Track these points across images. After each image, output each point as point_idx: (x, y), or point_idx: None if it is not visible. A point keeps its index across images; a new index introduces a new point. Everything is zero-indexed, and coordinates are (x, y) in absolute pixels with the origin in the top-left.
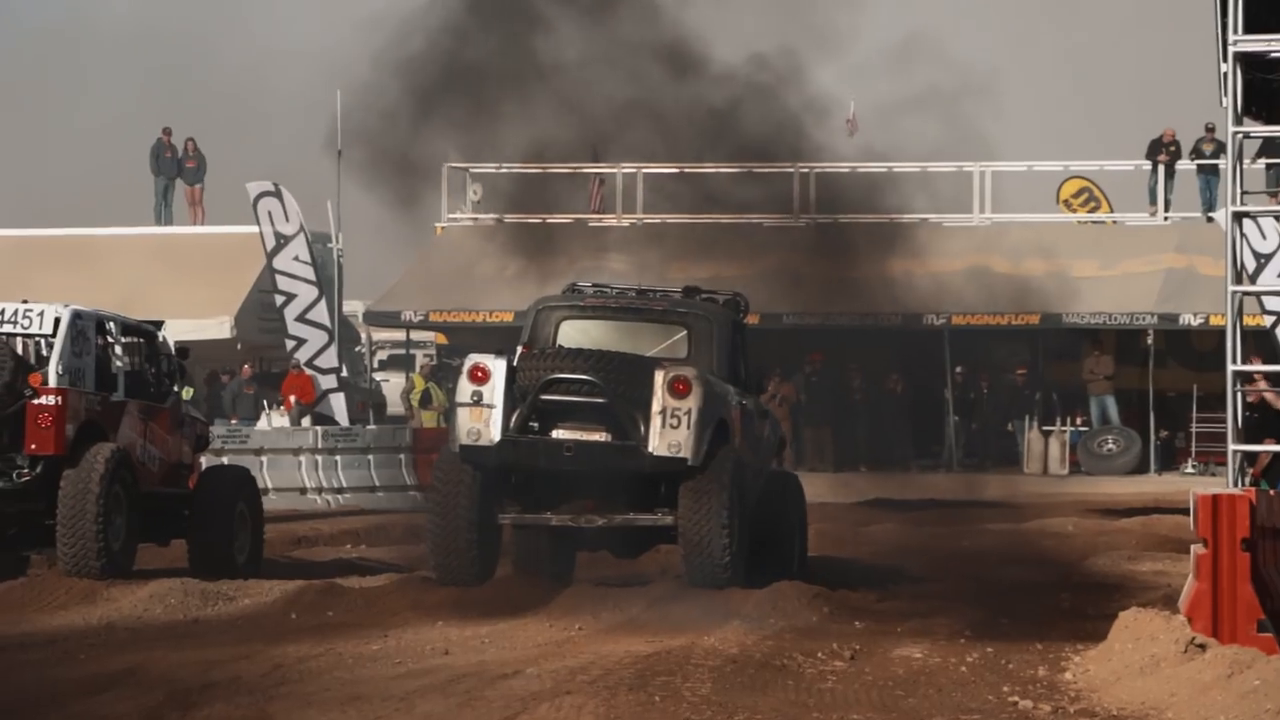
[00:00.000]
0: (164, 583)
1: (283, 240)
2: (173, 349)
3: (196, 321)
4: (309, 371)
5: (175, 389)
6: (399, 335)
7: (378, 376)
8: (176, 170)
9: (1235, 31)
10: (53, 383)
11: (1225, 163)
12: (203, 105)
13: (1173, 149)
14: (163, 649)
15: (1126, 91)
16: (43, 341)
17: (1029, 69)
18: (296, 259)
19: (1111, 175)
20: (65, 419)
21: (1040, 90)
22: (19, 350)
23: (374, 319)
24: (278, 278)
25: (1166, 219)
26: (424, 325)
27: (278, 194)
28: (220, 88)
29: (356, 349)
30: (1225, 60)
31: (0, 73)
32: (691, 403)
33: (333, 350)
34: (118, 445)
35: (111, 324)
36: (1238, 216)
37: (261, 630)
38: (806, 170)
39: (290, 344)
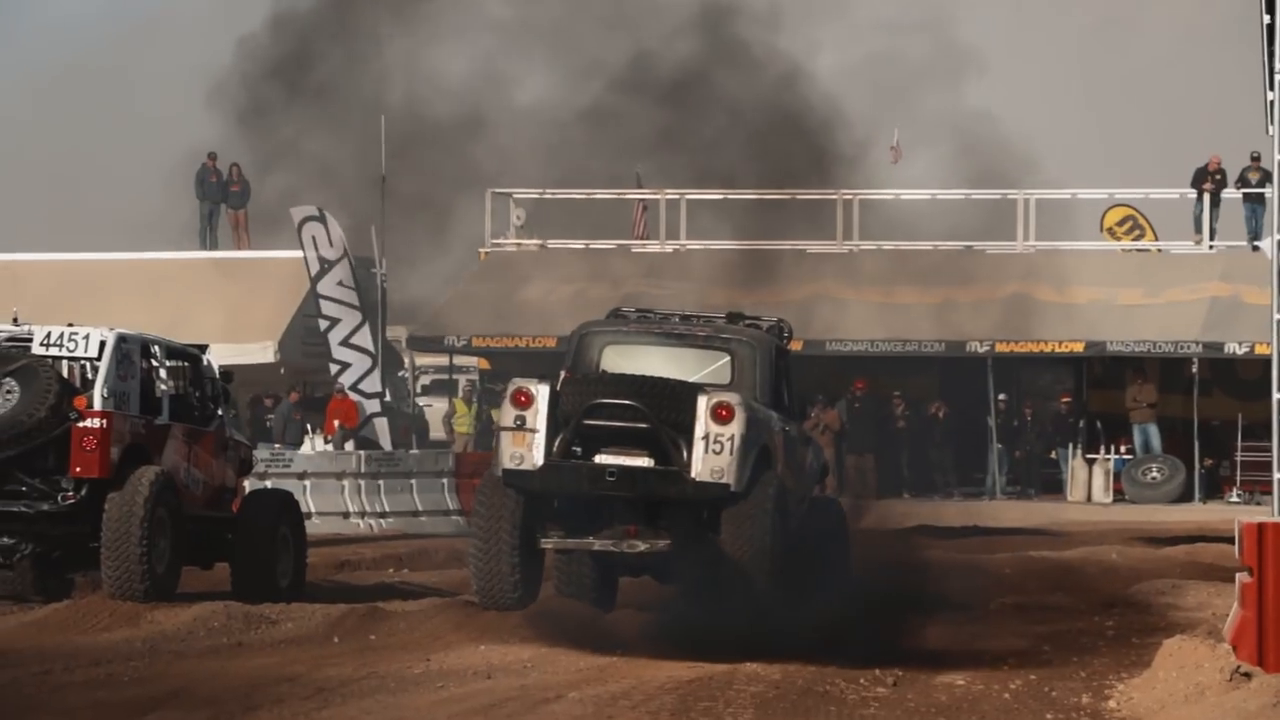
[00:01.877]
0: (208, 605)
1: (326, 265)
2: (217, 372)
3: (240, 346)
4: (353, 396)
5: (219, 412)
6: (442, 360)
7: (421, 401)
8: (221, 195)
9: None
10: (97, 406)
11: (1271, 191)
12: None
13: (1218, 177)
14: (207, 672)
15: (1172, 119)
16: (88, 365)
17: (1075, 96)
18: (340, 284)
19: (1156, 203)
20: (110, 442)
21: (1085, 118)
22: (64, 373)
23: (417, 344)
24: (321, 302)
25: (1212, 247)
26: (467, 350)
27: (322, 219)
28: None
29: (400, 374)
30: (1272, 88)
31: (44, 99)
32: (734, 428)
33: (376, 375)
34: (162, 468)
35: (156, 347)
36: None
37: (304, 653)
38: (850, 197)
39: (334, 368)
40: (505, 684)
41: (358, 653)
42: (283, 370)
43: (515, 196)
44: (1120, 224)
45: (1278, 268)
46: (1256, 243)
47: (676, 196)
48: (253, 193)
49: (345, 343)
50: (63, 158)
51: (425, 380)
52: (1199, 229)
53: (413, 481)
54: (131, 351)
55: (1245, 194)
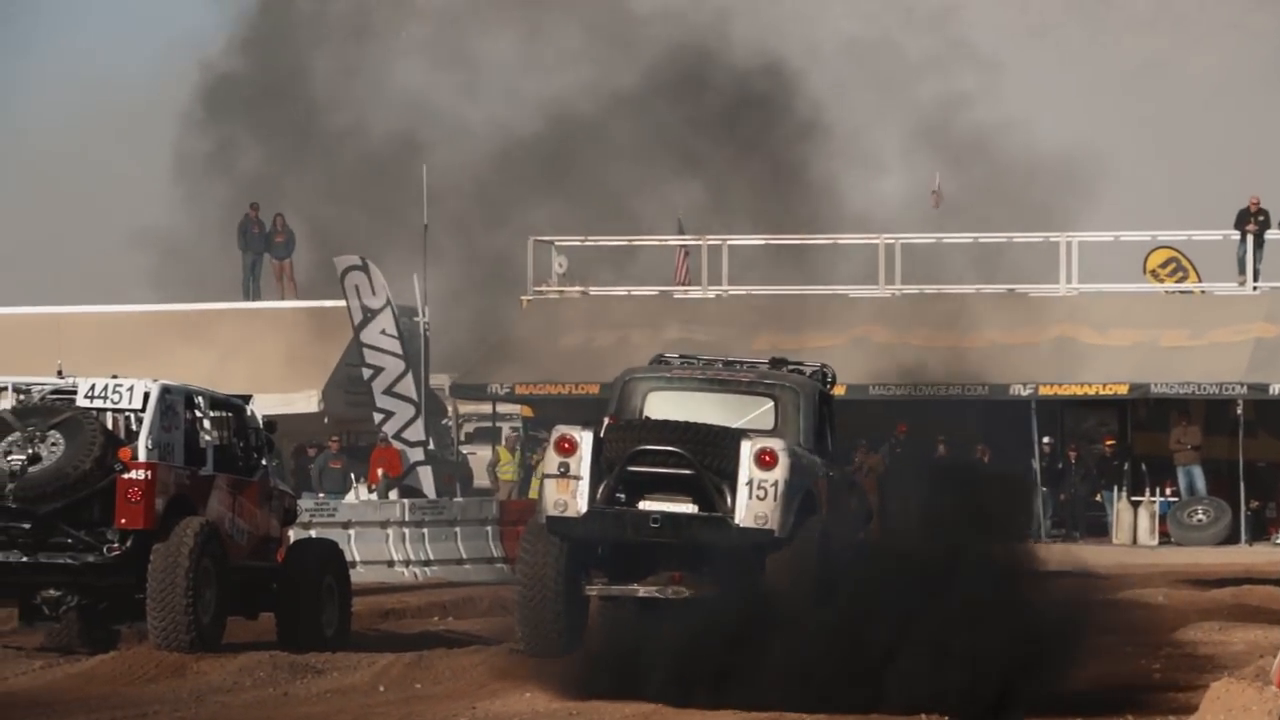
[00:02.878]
0: (253, 656)
1: (370, 314)
2: (261, 422)
3: (284, 396)
4: (396, 445)
5: (264, 462)
6: (485, 408)
7: (464, 449)
8: (264, 245)
9: None
10: (142, 457)
11: None
12: (292, 181)
13: (1261, 218)
14: None
15: (1214, 160)
16: (132, 416)
17: (1117, 138)
18: (383, 332)
19: (1199, 245)
20: (154, 494)
21: (1127, 160)
22: (109, 425)
23: (460, 392)
24: (365, 351)
25: (1256, 288)
26: (510, 398)
27: (364, 268)
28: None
29: (443, 422)
30: None
31: (84, 148)
32: (778, 474)
33: (419, 423)
34: (206, 519)
35: (200, 398)
36: None
37: (350, 703)
38: (891, 241)
39: (378, 417)
40: None
41: (403, 702)
42: (327, 420)
43: (557, 244)
44: (1163, 266)
45: None
46: None
47: (719, 242)
48: (297, 242)
49: (389, 391)
50: (100, 208)
51: (469, 428)
52: (1243, 270)
53: (457, 529)
54: (175, 403)
55: None
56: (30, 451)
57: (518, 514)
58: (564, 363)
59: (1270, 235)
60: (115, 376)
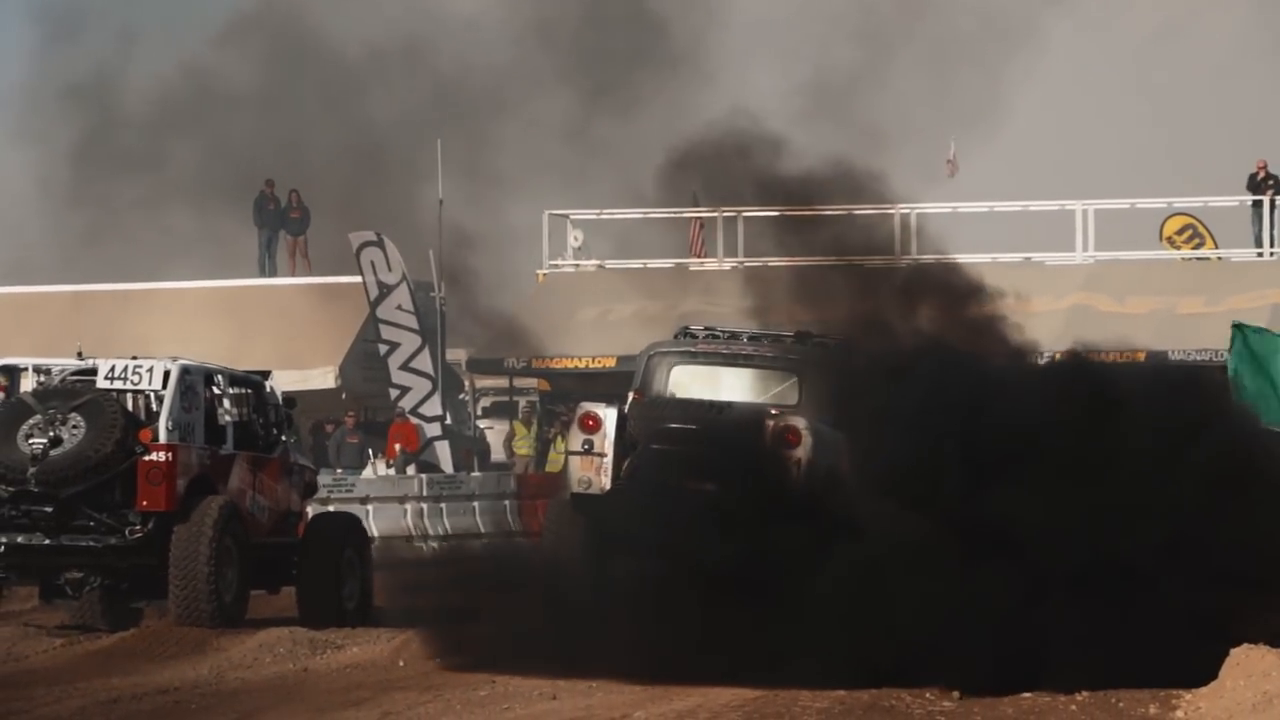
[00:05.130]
0: (273, 632)
1: (385, 289)
2: (280, 399)
3: (301, 372)
4: (413, 420)
5: (284, 439)
6: (502, 382)
7: (481, 424)
8: (280, 222)
9: None
10: (163, 439)
11: None
12: (306, 156)
13: (1271, 182)
14: (273, 698)
15: (1230, 126)
16: (152, 396)
17: (1132, 105)
18: (399, 308)
19: (1215, 211)
20: (175, 475)
21: (1143, 126)
22: (129, 406)
23: (477, 366)
24: (381, 327)
25: (1274, 254)
26: (526, 372)
27: (380, 244)
28: (324, 138)
29: (460, 396)
30: None
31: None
32: (801, 452)
33: (436, 398)
34: (227, 499)
35: (219, 377)
36: None
37: (370, 678)
38: (907, 211)
39: (394, 393)
40: (570, 704)
41: (423, 676)
42: (344, 395)
43: (572, 218)
44: (1179, 232)
45: None
46: None
47: (734, 214)
48: (312, 219)
49: (405, 367)
50: (117, 184)
51: (485, 403)
52: (1259, 243)
53: (475, 504)
54: (195, 383)
55: None
56: (51, 434)
57: (535, 488)
58: (580, 336)
59: None
60: (135, 357)
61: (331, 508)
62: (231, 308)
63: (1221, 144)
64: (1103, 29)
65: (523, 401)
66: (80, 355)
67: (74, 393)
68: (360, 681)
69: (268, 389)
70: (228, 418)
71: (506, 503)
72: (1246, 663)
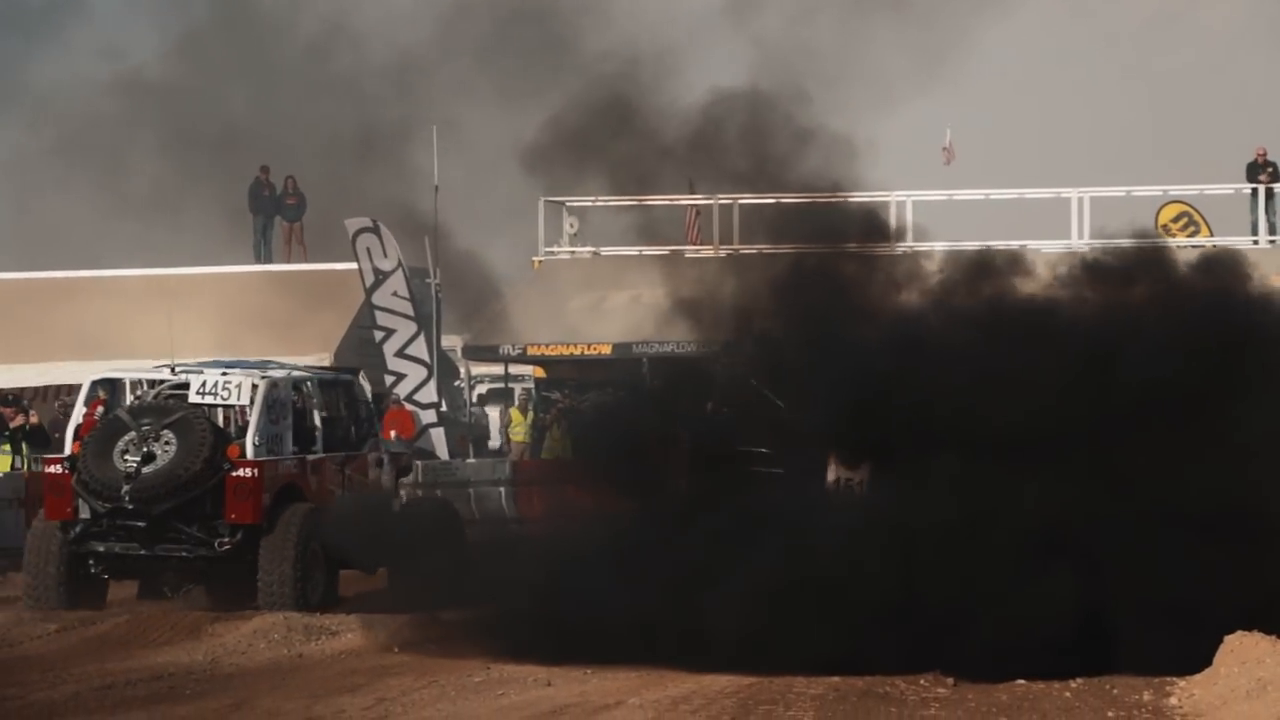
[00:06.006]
0: (267, 618)
1: (381, 276)
2: (369, 395)
3: (297, 359)
4: (409, 407)
5: (373, 434)
6: (498, 369)
7: (477, 410)
8: (275, 208)
9: None
10: (249, 454)
11: None
12: (299, 142)
13: (1270, 169)
14: (267, 684)
15: (1226, 114)
16: (242, 409)
17: (1128, 93)
18: (395, 294)
19: (1211, 199)
20: (261, 489)
21: (1139, 114)
22: (220, 419)
23: (472, 353)
24: (377, 313)
25: (1272, 242)
26: (522, 359)
27: (376, 230)
28: (317, 123)
29: (456, 383)
30: None
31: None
32: (864, 474)
33: (432, 385)
34: (312, 506)
35: (308, 383)
36: None
37: (365, 664)
38: (903, 198)
39: (390, 379)
40: (566, 690)
41: (417, 662)
42: None
43: (568, 205)
44: (1175, 220)
45: None
46: None
47: (729, 201)
48: (309, 205)
49: (401, 353)
50: (111, 173)
51: (481, 389)
52: (1255, 231)
53: (470, 490)
54: (282, 395)
55: None
56: (145, 451)
57: (530, 475)
58: (575, 323)
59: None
60: (225, 373)
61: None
62: (227, 294)
63: (1218, 132)
64: (1099, 15)
65: (519, 388)
66: (173, 370)
67: (167, 409)
68: (355, 668)
69: (357, 386)
70: (317, 421)
71: (502, 489)
72: (1240, 649)
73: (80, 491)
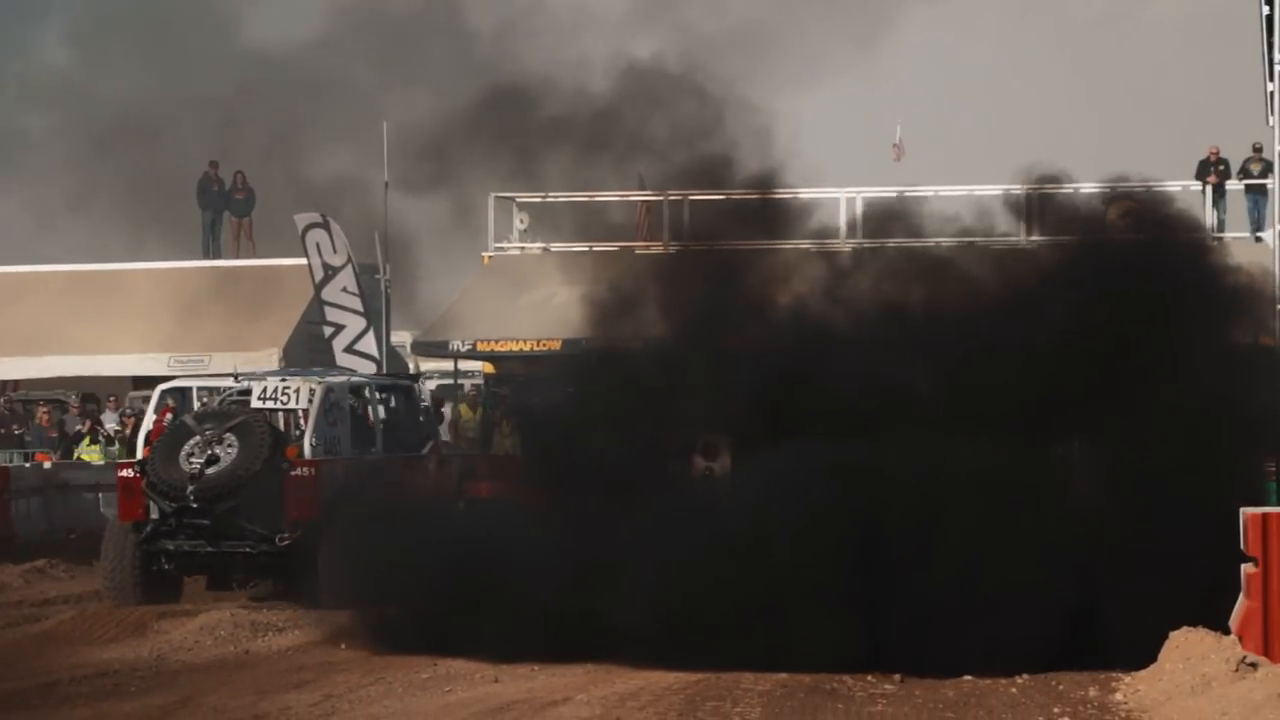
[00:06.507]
0: (214, 614)
1: (331, 271)
2: (430, 398)
3: (245, 354)
4: None
5: (434, 436)
6: (447, 365)
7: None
8: (224, 203)
9: None
10: (307, 455)
11: (1273, 182)
12: (250, 137)
13: (1221, 168)
14: (214, 680)
15: (1174, 111)
16: (301, 413)
17: (1078, 89)
18: (344, 290)
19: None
20: (319, 488)
21: (1088, 110)
22: (281, 423)
23: (421, 349)
24: (326, 309)
25: (1218, 239)
26: (472, 355)
27: (325, 225)
28: (267, 120)
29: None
30: (1271, 79)
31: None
32: (724, 464)
33: None
34: (371, 501)
35: (367, 388)
36: None
37: (312, 660)
38: (853, 194)
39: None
40: (513, 687)
41: (364, 659)
42: None
43: (518, 200)
44: (1123, 217)
45: (1279, 258)
46: (1259, 234)
47: (679, 197)
48: (257, 199)
49: (350, 349)
50: (62, 165)
51: (431, 385)
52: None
53: None
54: (339, 399)
55: (1247, 186)
56: (209, 454)
57: (481, 471)
58: (525, 319)
59: (1230, 186)
60: (285, 379)
61: None
62: (175, 290)
63: (1165, 128)
64: (1049, 12)
65: (468, 384)
66: (236, 378)
67: (229, 415)
68: (302, 664)
69: (416, 390)
70: (376, 423)
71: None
72: (1185, 645)
73: (149, 493)
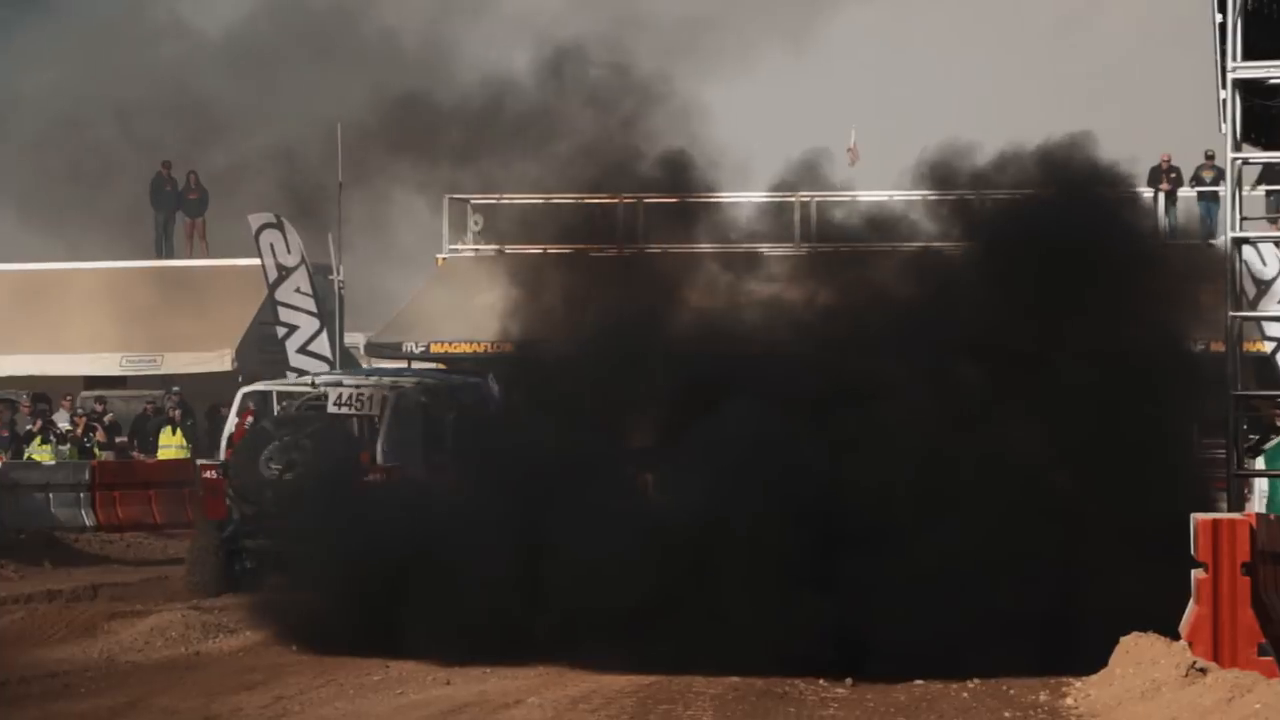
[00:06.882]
0: (164, 615)
1: (284, 272)
2: (498, 395)
3: (197, 355)
4: None
5: None
6: (401, 366)
7: None
8: (177, 203)
9: (1234, 59)
10: (380, 460)
11: (1225, 189)
12: (204, 137)
13: (1173, 175)
14: (164, 681)
15: (1126, 118)
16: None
17: (1026, 96)
18: (298, 290)
19: None
20: None
21: (1039, 117)
22: (355, 429)
23: (375, 350)
24: (279, 310)
25: (1170, 245)
26: (425, 356)
27: (279, 226)
28: (222, 120)
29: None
30: (1224, 87)
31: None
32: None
33: None
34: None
35: (439, 391)
36: (1237, 243)
37: (262, 661)
38: (808, 199)
39: (292, 376)
40: (465, 690)
41: (316, 660)
42: (240, 379)
43: (473, 202)
44: None
45: (1231, 265)
46: (1211, 241)
47: (633, 200)
48: (210, 200)
49: (303, 350)
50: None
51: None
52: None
53: None
54: (410, 403)
55: (1200, 193)
56: (288, 458)
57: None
58: (480, 320)
59: (1182, 193)
60: (359, 386)
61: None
62: (128, 290)
63: (1118, 136)
64: (1002, 19)
65: None
66: (313, 384)
67: (306, 420)
68: (253, 665)
69: (485, 388)
70: (448, 422)
71: None
72: (1136, 650)
73: (230, 495)
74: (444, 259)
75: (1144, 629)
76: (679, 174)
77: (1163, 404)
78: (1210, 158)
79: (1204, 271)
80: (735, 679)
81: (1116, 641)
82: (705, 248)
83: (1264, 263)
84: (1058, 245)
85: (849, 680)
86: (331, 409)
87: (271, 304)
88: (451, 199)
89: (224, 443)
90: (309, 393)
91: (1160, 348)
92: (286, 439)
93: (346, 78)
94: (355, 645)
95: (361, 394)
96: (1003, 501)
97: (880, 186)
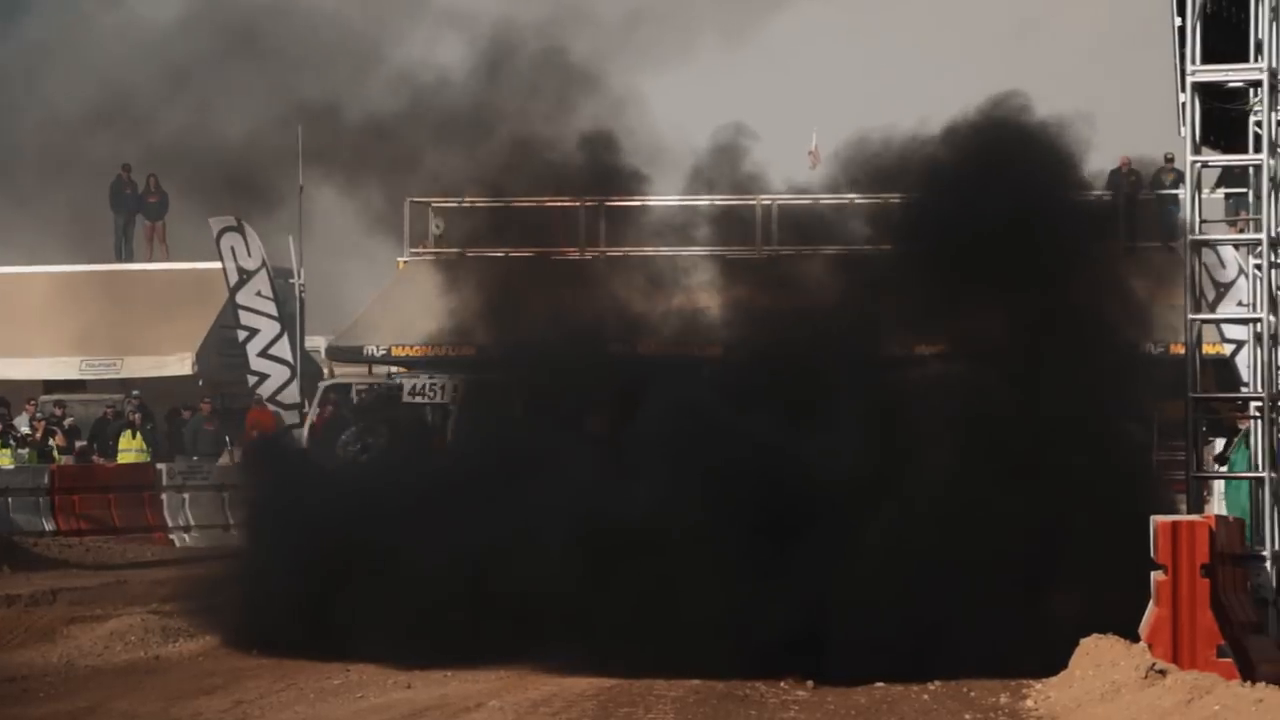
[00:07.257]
0: (124, 620)
1: (245, 275)
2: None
3: (158, 358)
4: (271, 407)
5: None
6: (362, 370)
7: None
8: (137, 206)
9: (1193, 62)
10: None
11: (1185, 192)
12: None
13: (1133, 178)
14: (123, 686)
15: (1085, 121)
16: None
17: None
18: (259, 294)
19: None
20: None
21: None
22: (429, 416)
23: (336, 354)
24: (240, 313)
25: (1131, 249)
26: (386, 360)
27: (240, 229)
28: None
29: (319, 384)
30: (1183, 90)
31: None
32: None
33: (295, 386)
34: None
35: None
36: (1196, 245)
37: (222, 666)
38: (769, 202)
39: (252, 380)
40: (426, 693)
41: (276, 664)
42: (201, 382)
43: (434, 205)
44: None
45: (1190, 268)
46: (1171, 244)
47: (595, 203)
48: (170, 203)
49: (264, 354)
50: None
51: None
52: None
53: None
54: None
55: (1159, 195)
56: (364, 442)
57: None
58: (441, 324)
59: (1142, 196)
60: (433, 377)
61: (186, 496)
62: (87, 293)
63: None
64: (962, 23)
65: None
66: (390, 376)
67: (383, 408)
68: (212, 670)
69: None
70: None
71: None
72: (1096, 652)
73: None
74: (405, 262)
75: (1104, 631)
76: (608, 159)
77: (1126, 402)
78: (1170, 161)
79: (1163, 274)
80: (696, 682)
81: (1076, 643)
82: (666, 251)
83: (1223, 265)
84: (1002, 238)
85: (810, 683)
86: (406, 398)
87: (232, 307)
88: (413, 202)
89: (305, 431)
90: (385, 384)
91: (1112, 347)
92: (364, 424)
93: (287, 79)
94: (308, 647)
95: (434, 384)
96: (962, 502)
97: (841, 189)
